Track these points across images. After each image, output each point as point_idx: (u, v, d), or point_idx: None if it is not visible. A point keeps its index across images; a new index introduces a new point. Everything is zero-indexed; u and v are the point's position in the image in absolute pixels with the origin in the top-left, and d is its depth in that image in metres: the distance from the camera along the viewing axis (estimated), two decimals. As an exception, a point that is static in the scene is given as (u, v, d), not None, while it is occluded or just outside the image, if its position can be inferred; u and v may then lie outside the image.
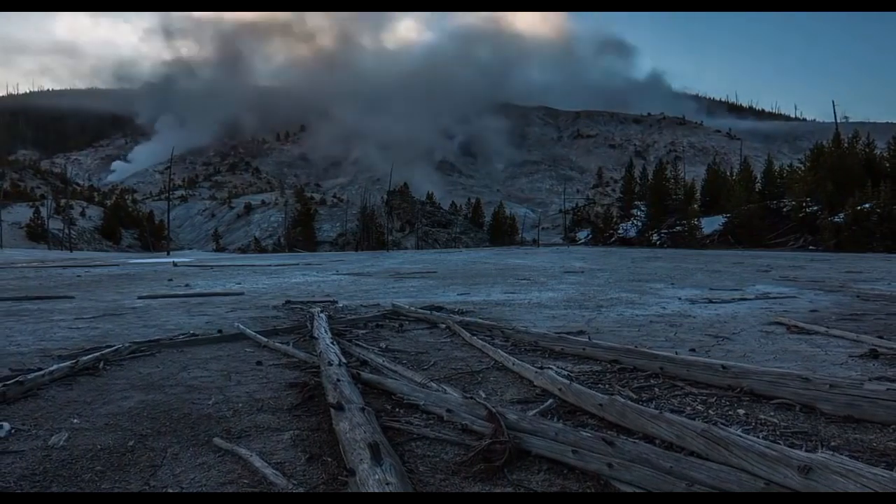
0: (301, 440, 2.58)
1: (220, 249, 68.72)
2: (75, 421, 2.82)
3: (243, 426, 2.76)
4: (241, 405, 3.08)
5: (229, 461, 2.34)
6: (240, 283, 11.84)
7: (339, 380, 3.07)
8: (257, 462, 2.29)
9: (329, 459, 2.33)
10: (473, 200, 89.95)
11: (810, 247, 33.29)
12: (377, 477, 1.87)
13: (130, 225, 75.04)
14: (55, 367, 3.58)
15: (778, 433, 2.50)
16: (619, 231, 52.00)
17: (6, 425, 2.67)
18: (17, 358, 4.29)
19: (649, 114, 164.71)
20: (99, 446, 2.49)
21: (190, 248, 69.48)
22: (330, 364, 3.48)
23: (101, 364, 3.85)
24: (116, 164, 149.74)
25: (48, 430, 2.68)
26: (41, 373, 3.39)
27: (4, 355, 4.40)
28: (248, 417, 2.89)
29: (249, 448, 2.44)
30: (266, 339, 4.80)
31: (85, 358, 3.84)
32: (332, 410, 2.69)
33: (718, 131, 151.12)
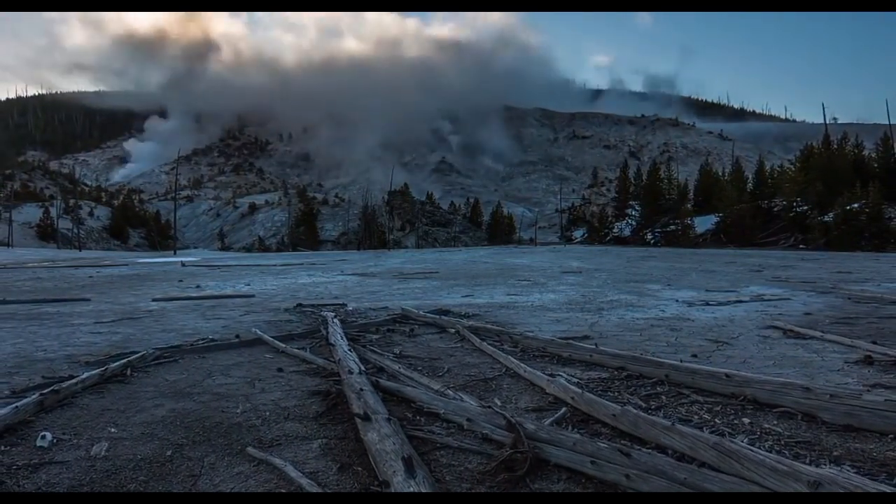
0: (330, 449, 2.65)
1: (224, 248, 68.92)
2: (113, 430, 2.90)
3: (273, 435, 2.84)
4: (268, 413, 3.18)
5: (264, 470, 2.42)
6: (249, 285, 11.94)
7: (361, 389, 3.16)
8: (292, 472, 2.36)
9: (360, 469, 2.41)
10: (472, 200, 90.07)
11: (800, 246, 33.65)
12: (412, 489, 1.99)
13: (138, 224, 75.28)
14: (86, 374, 3.67)
15: (783, 443, 2.61)
16: (614, 230, 52.26)
17: (49, 435, 2.75)
18: (46, 364, 4.39)
19: (643, 115, 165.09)
20: (139, 456, 2.57)
21: (196, 248, 69.45)
22: (350, 373, 3.58)
23: (129, 371, 3.95)
24: (123, 164, 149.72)
25: (88, 440, 2.76)
26: (74, 381, 3.48)
27: (35, 361, 4.50)
28: (277, 426, 2.98)
29: (282, 457, 2.51)
30: (283, 345, 4.90)
31: (113, 365, 3.93)
32: (358, 420, 2.79)
33: (710, 132, 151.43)
